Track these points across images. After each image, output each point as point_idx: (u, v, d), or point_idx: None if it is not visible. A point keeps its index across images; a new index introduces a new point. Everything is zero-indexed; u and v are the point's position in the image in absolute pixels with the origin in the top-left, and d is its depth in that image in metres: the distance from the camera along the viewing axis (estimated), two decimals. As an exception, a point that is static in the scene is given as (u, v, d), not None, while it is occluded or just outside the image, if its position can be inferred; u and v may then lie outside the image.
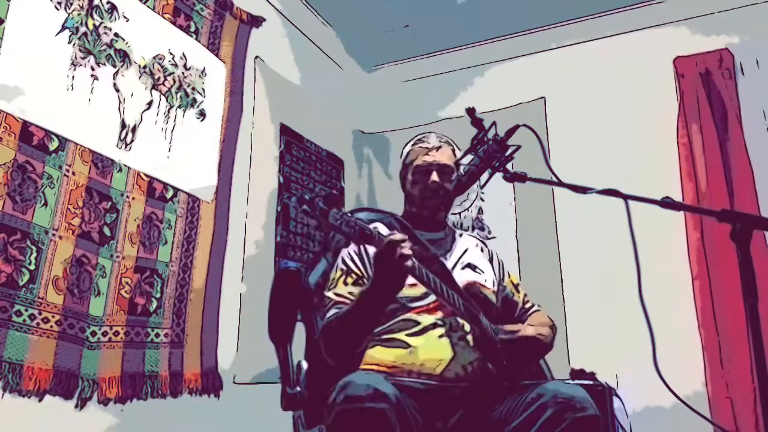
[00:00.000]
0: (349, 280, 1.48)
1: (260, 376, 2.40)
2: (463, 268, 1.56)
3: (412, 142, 1.68)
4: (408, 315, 1.42)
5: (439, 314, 1.43)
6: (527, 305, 1.67)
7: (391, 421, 1.11)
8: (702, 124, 2.91)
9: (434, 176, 1.57)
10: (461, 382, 1.36)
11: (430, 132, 1.69)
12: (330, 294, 1.49)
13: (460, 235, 1.70)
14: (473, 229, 3.33)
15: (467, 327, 1.43)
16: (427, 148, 1.62)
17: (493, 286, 1.59)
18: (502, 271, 1.68)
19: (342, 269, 1.51)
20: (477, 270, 1.58)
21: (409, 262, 1.26)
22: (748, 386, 2.51)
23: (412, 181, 1.61)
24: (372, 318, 1.39)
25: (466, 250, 1.63)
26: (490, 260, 1.67)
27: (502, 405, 1.31)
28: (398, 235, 1.27)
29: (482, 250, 1.69)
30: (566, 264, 3.06)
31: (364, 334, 1.42)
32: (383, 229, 1.54)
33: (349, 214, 1.26)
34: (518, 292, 1.68)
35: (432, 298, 1.42)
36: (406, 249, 1.25)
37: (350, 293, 1.45)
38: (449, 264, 1.55)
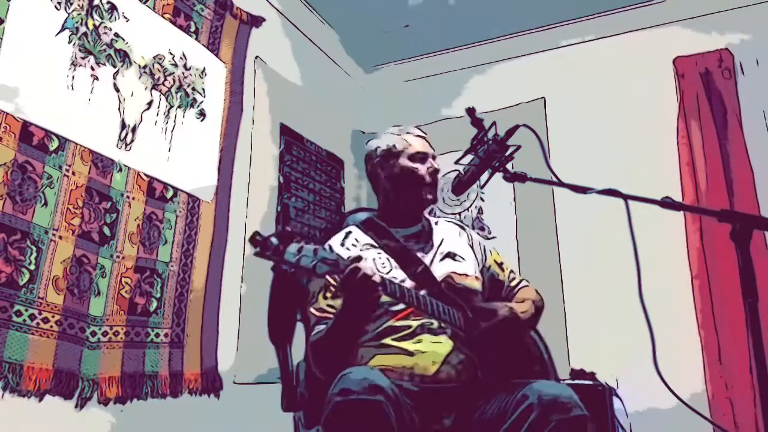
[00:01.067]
0: (329, 294, 1.47)
1: (260, 377, 2.40)
2: (442, 260, 1.54)
3: (395, 133, 1.64)
4: (393, 321, 1.41)
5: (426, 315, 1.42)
6: (513, 282, 1.65)
7: (387, 414, 1.11)
8: (702, 124, 2.91)
9: (435, 164, 1.57)
10: (452, 383, 1.36)
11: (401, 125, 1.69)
12: (312, 309, 1.47)
13: (436, 223, 1.68)
14: (473, 230, 3.33)
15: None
16: (421, 136, 1.63)
17: (475, 272, 1.57)
18: (484, 253, 1.66)
19: (319, 283, 1.49)
20: (457, 258, 1.56)
21: (376, 278, 1.24)
22: (748, 386, 2.51)
23: (409, 168, 1.56)
24: (352, 335, 1.39)
25: (443, 240, 1.60)
26: (470, 244, 1.65)
27: (492, 405, 1.30)
28: (360, 263, 1.24)
29: (460, 234, 1.67)
30: (566, 264, 3.06)
31: (348, 348, 1.42)
32: (358, 238, 1.53)
33: (312, 246, 1.20)
34: (503, 270, 1.66)
35: None
36: (372, 276, 1.23)
37: (330, 306, 1.45)
38: (428, 258, 1.53)
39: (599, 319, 2.85)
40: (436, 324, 1.41)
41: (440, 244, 1.59)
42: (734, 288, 2.58)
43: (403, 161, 1.58)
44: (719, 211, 1.09)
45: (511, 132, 1.33)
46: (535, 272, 2.99)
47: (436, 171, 1.57)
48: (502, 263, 1.67)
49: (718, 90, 2.92)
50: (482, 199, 3.38)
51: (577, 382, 2.52)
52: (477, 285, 1.55)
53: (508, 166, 1.35)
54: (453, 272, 1.51)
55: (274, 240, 1.17)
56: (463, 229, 1.70)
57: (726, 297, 2.67)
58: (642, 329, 1.14)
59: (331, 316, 1.42)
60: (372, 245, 1.54)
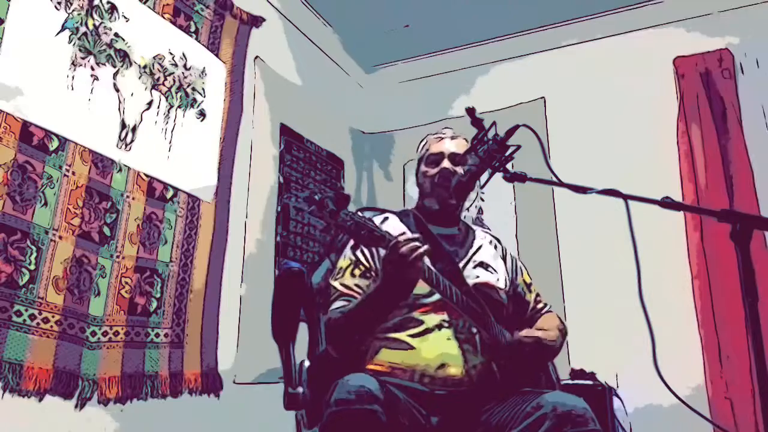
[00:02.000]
0: (357, 272, 1.47)
1: (260, 376, 2.40)
2: (475, 267, 1.55)
3: (425, 138, 1.69)
4: (413, 313, 1.41)
5: (446, 314, 1.41)
6: (539, 305, 1.66)
7: (381, 422, 1.11)
8: (702, 124, 2.91)
9: (445, 163, 1.57)
10: (463, 386, 1.36)
11: (446, 128, 1.71)
12: (336, 284, 1.47)
13: (475, 231, 1.69)
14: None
15: (474, 329, 1.42)
16: (441, 137, 1.64)
17: (505, 285, 1.57)
18: (515, 270, 1.67)
19: (351, 259, 1.49)
20: (489, 269, 1.56)
21: (419, 263, 1.25)
22: (748, 386, 2.51)
23: (425, 171, 1.61)
24: (379, 317, 1.38)
25: (479, 248, 1.61)
26: (504, 258, 1.66)
27: (502, 410, 1.30)
28: (408, 237, 1.25)
29: (496, 247, 1.68)
30: (566, 264, 3.06)
31: (370, 331, 1.41)
32: (394, 225, 1.53)
33: (360, 214, 1.25)
34: (530, 291, 1.66)
35: (438, 295, 1.40)
36: (417, 251, 1.24)
37: (357, 285, 1.44)
38: (461, 262, 1.54)
39: (599, 319, 2.85)
40: (452, 326, 1.41)
41: (476, 251, 1.59)
42: (734, 288, 2.59)
43: (422, 166, 1.64)
44: (719, 211, 1.08)
45: (511, 132, 1.33)
46: (535, 272, 2.98)
47: (445, 170, 1.56)
48: (530, 284, 1.68)
49: (718, 90, 2.92)
50: (482, 199, 3.38)
51: (577, 382, 2.53)
52: (504, 298, 1.55)
53: (508, 166, 1.34)
54: (486, 282, 1.52)
55: (329, 202, 1.21)
56: (499, 242, 1.72)
57: (726, 297, 2.67)
58: (642, 329, 1.14)
59: (356, 294, 1.42)
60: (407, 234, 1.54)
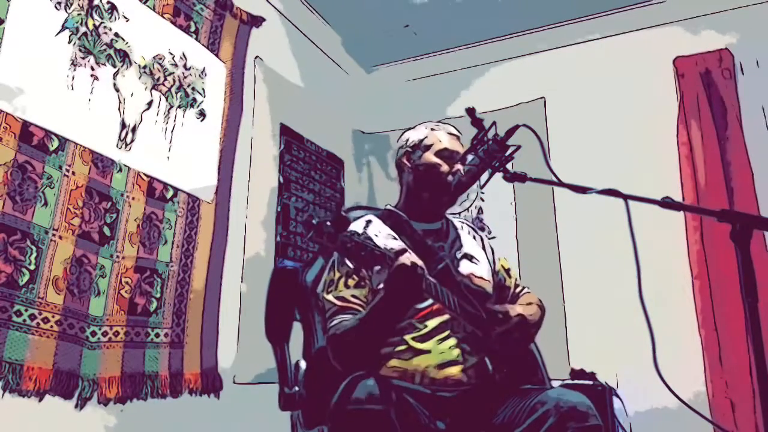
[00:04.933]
0: (351, 282, 1.43)
1: (260, 376, 2.40)
2: (460, 259, 1.54)
3: (429, 127, 1.62)
4: (414, 320, 1.41)
5: (444, 317, 1.41)
6: (518, 289, 1.66)
7: (392, 422, 1.12)
8: (702, 124, 2.91)
9: (459, 166, 1.50)
10: (463, 386, 1.36)
11: (443, 122, 1.66)
12: (331, 297, 1.42)
13: (452, 222, 1.67)
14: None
15: (469, 328, 1.42)
16: (453, 135, 1.59)
17: (489, 275, 1.58)
18: (493, 257, 1.67)
19: (341, 270, 1.45)
20: (473, 260, 1.56)
21: (423, 283, 1.24)
22: (748, 386, 2.51)
23: (434, 163, 1.54)
24: (384, 332, 1.36)
25: (461, 240, 1.61)
26: (483, 247, 1.66)
27: (504, 409, 1.30)
28: (411, 257, 1.24)
29: (474, 237, 1.67)
30: (566, 264, 3.06)
31: (377, 345, 1.38)
32: (379, 229, 1.52)
33: (358, 235, 1.22)
34: (509, 276, 1.67)
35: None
36: (419, 271, 1.23)
37: (354, 296, 1.41)
38: (447, 256, 1.53)
39: (599, 319, 2.85)
40: (450, 328, 1.41)
41: (460, 244, 1.59)
42: (734, 288, 2.59)
43: (429, 156, 1.56)
44: (719, 211, 1.08)
45: (511, 132, 1.33)
46: (535, 272, 3.00)
47: (458, 172, 1.51)
48: (509, 269, 1.68)
49: (718, 90, 2.92)
50: (482, 199, 3.38)
51: (577, 382, 2.53)
52: (490, 288, 1.55)
53: (508, 166, 1.35)
54: (472, 273, 1.51)
55: (329, 225, 1.19)
56: (476, 232, 1.71)
57: (726, 297, 2.67)
58: (642, 329, 1.14)
59: (356, 306, 1.39)
60: (393, 236, 1.50)
